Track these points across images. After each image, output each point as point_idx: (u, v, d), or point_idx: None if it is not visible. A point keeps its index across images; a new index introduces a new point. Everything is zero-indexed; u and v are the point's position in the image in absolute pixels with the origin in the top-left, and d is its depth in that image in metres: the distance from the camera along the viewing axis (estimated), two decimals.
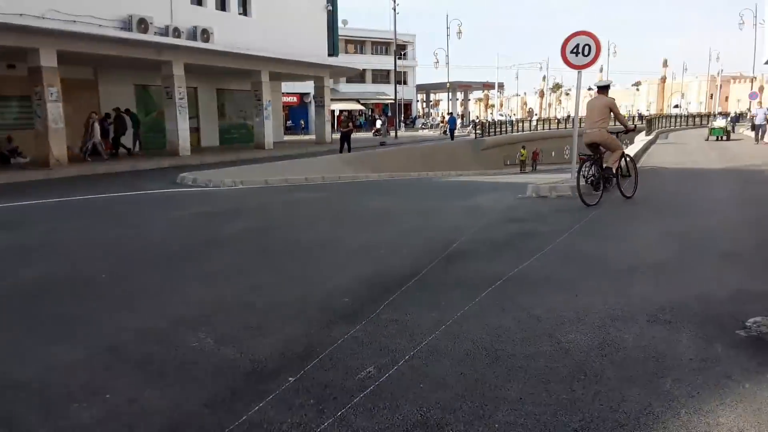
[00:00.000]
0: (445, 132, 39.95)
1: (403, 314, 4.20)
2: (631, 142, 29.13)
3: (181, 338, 3.84)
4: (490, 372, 3.24)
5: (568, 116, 55.40)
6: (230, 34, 24.08)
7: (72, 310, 4.49)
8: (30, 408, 2.94)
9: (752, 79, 70.27)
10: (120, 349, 3.71)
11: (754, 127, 27.03)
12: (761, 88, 63.38)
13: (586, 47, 11.85)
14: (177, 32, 21.83)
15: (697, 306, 4.23)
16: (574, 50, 11.93)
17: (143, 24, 20.49)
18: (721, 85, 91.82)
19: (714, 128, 29.45)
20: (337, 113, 49.08)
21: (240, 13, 26.35)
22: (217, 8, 24.93)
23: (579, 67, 12.07)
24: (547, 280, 5.07)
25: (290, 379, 3.19)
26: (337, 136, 39.65)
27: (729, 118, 35.36)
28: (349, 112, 26.62)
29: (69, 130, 18.83)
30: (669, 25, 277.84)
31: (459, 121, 51.70)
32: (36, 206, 10.73)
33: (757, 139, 25.30)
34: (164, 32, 21.58)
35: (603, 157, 9.55)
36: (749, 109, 47.83)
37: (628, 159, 10.24)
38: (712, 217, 8.27)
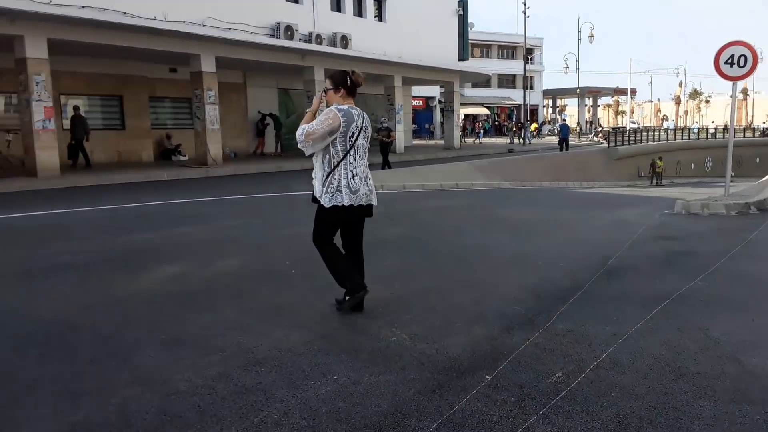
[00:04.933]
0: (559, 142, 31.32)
1: (577, 325, 4.42)
2: None
3: (376, 330, 4.31)
4: (677, 388, 3.41)
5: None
6: (366, 39, 25.12)
7: None
8: (277, 382, 3.50)
9: None
10: (331, 336, 4.24)
11: None
12: None
13: (742, 58, 11.38)
14: (319, 39, 23.00)
15: None
16: (729, 61, 11.47)
17: (289, 31, 21.78)
18: None
19: None
20: (462, 118, 49.26)
21: (375, 18, 27.35)
22: (354, 15, 26.12)
23: (734, 79, 11.60)
24: (718, 301, 5.08)
25: (487, 377, 3.54)
26: (470, 140, 40.02)
27: None
28: (388, 120, 25.55)
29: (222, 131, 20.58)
30: None
31: (586, 127, 49.54)
32: (213, 203, 12.01)
33: None
34: (307, 38, 22.86)
35: None
36: None
37: None
38: None
